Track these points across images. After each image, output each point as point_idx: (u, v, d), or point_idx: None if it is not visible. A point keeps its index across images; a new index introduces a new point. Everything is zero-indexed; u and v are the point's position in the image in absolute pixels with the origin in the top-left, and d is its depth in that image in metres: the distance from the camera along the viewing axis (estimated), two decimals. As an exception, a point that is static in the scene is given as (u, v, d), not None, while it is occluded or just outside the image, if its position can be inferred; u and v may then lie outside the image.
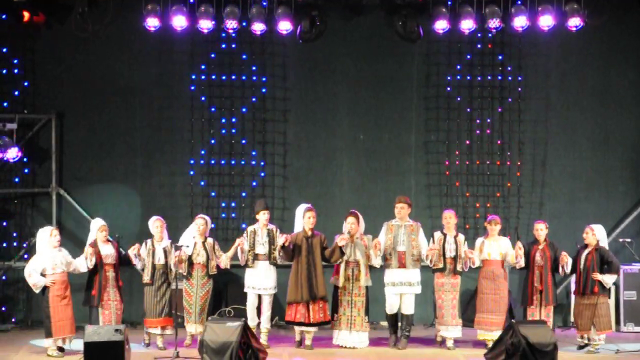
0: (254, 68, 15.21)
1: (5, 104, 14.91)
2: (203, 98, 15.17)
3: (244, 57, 15.21)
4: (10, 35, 14.76)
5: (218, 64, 15.16)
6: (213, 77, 15.16)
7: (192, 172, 15.10)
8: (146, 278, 12.85)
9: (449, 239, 12.90)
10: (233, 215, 15.12)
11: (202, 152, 15.14)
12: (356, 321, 12.84)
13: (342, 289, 12.86)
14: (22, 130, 14.85)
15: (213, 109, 15.18)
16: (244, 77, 15.23)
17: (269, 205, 13.55)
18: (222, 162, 15.18)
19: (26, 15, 14.29)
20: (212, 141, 15.17)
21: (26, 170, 15.03)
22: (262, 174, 15.19)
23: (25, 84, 15.00)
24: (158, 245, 12.90)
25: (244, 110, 15.24)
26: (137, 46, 15.01)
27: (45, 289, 12.32)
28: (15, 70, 14.98)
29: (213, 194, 15.13)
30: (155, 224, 12.98)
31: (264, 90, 15.23)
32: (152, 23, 14.19)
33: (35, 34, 14.79)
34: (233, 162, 15.19)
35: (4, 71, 14.94)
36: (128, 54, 15.06)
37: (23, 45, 14.94)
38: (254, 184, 15.20)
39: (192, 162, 15.11)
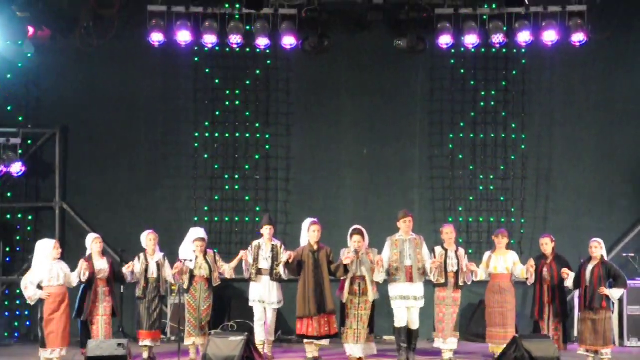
0: (257, 83, 15.24)
1: (9, 119, 14.93)
2: (207, 112, 15.19)
3: (248, 71, 15.23)
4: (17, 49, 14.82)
5: (222, 78, 15.20)
6: (217, 92, 15.18)
7: (195, 186, 15.09)
8: (138, 292, 12.86)
9: (450, 254, 12.89)
10: (236, 229, 15.11)
11: (205, 166, 15.14)
12: (361, 334, 12.83)
13: (348, 302, 12.84)
14: (25, 144, 14.93)
15: (216, 124, 15.19)
16: (247, 92, 15.25)
17: (273, 220, 13.54)
18: (226, 176, 15.19)
19: (31, 29, 14.32)
20: (215, 157, 15.17)
21: (30, 185, 15.06)
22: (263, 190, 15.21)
23: (30, 98, 15.03)
24: (151, 259, 12.93)
25: (247, 124, 15.25)
26: (141, 61, 15.05)
27: (41, 300, 12.33)
28: (20, 85, 15.01)
29: (216, 208, 15.13)
30: (149, 237, 12.99)
31: (267, 104, 15.25)
32: (156, 38, 14.25)
33: (40, 48, 14.82)
34: (237, 176, 15.20)
35: (9, 86, 14.96)
36: (132, 69, 15.11)
37: (28, 59, 14.97)
38: (258, 198, 15.20)
39: (195, 176, 15.11)
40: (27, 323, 14.89)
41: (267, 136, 15.29)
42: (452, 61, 15.26)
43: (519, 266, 12.88)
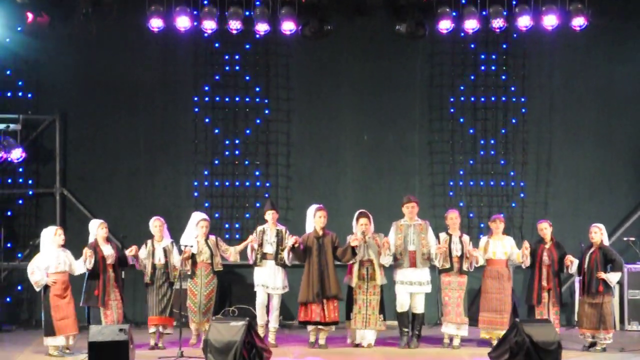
0: (257, 68, 15.21)
1: (9, 105, 14.92)
2: (207, 99, 15.18)
3: (247, 58, 15.21)
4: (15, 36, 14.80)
5: (221, 65, 15.17)
6: (217, 77, 15.17)
7: (195, 172, 15.09)
8: (146, 278, 12.87)
9: (454, 239, 12.89)
10: (237, 215, 15.11)
11: (206, 152, 15.14)
12: (370, 320, 12.85)
13: (356, 288, 12.86)
14: (26, 131, 14.91)
15: (216, 109, 15.17)
16: (247, 78, 15.24)
17: (275, 206, 13.54)
18: (226, 162, 15.18)
19: (30, 15, 14.29)
20: (216, 141, 15.17)
21: (30, 171, 15.05)
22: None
23: (29, 85, 15.02)
24: (158, 245, 12.92)
25: (247, 110, 15.24)
26: (140, 47, 15.02)
27: (46, 287, 12.32)
28: (20, 71, 14.99)
29: (217, 194, 15.13)
30: (155, 223, 12.99)
31: (267, 90, 15.23)
32: (155, 24, 14.19)
33: (39, 34, 14.80)
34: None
35: (8, 72, 14.96)
36: (132, 55, 15.08)
37: (27, 46, 14.95)
38: (258, 184, 15.21)
39: (195, 162, 15.10)
40: (29, 309, 14.89)
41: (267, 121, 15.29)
42: (452, 46, 15.21)
43: (515, 250, 12.92)
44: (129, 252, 12.78)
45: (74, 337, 12.44)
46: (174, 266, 12.91)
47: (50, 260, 12.31)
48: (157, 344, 12.83)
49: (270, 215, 13.11)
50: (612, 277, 12.64)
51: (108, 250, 12.62)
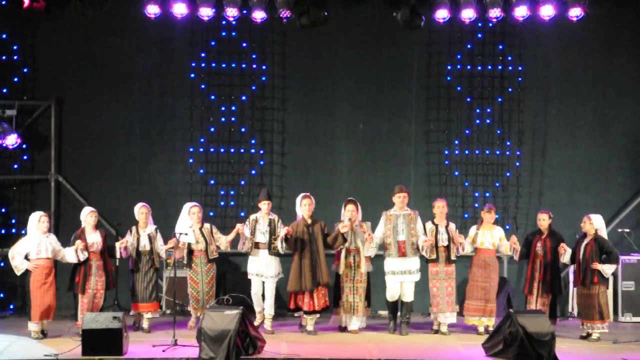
0: (253, 56, 15.20)
1: (4, 91, 14.90)
2: (203, 86, 15.16)
3: (244, 45, 15.19)
4: (10, 21, 14.73)
5: (218, 52, 15.15)
6: (213, 64, 15.15)
7: (191, 160, 15.10)
8: (131, 265, 12.95)
9: (440, 229, 12.95)
10: (232, 203, 15.12)
11: (202, 139, 15.15)
12: (359, 307, 12.96)
13: (343, 275, 12.95)
14: (21, 116, 14.87)
15: (213, 97, 15.17)
16: (243, 65, 15.22)
17: (271, 196, 13.54)
18: (222, 149, 15.17)
19: (26, 1, 14.24)
20: (212, 129, 15.16)
21: (25, 157, 15.05)
22: (262, 162, 15.19)
23: (25, 70, 14.99)
24: (143, 232, 12.97)
25: (243, 98, 15.22)
26: (137, 33, 14.99)
27: (27, 272, 12.35)
28: (15, 57, 14.96)
29: (212, 181, 15.14)
30: (142, 210, 13.04)
31: (263, 78, 15.23)
32: (152, 10, 14.17)
33: (35, 20, 14.75)
34: (232, 150, 15.18)
35: (4, 58, 14.91)
36: (128, 41, 15.04)
37: (23, 31, 14.91)
38: (253, 172, 15.20)
39: (191, 149, 15.11)
40: (23, 295, 14.86)
41: (263, 109, 15.25)
42: (449, 36, 15.19)
43: (504, 242, 12.97)
44: (121, 244, 12.84)
45: (45, 324, 12.53)
46: (157, 252, 12.95)
47: (31, 246, 12.38)
48: (143, 327, 12.92)
49: (265, 205, 13.13)
50: (607, 269, 12.67)
51: (93, 238, 12.65)
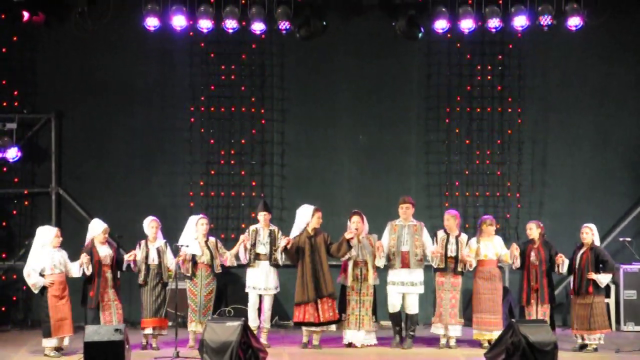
0: (253, 68, 15.20)
1: (4, 104, 14.89)
2: (202, 97, 15.15)
3: (243, 57, 15.19)
4: (9, 34, 14.76)
5: (217, 64, 15.15)
6: (212, 77, 15.14)
7: (191, 172, 15.08)
8: (140, 279, 12.85)
9: (451, 239, 12.89)
10: (232, 215, 15.11)
11: (202, 152, 15.12)
12: (364, 320, 12.86)
13: (350, 288, 12.86)
14: (21, 130, 14.86)
15: (212, 109, 15.16)
16: (243, 77, 15.21)
17: (269, 207, 13.53)
18: (222, 161, 15.16)
19: (26, 14, 14.27)
20: (212, 141, 15.15)
21: (26, 170, 15.03)
22: (262, 173, 15.17)
23: (25, 83, 15.00)
24: (152, 246, 12.90)
25: (243, 109, 15.22)
26: (136, 46, 15.00)
27: (44, 289, 12.29)
28: (15, 70, 14.97)
29: (212, 194, 15.12)
30: (151, 224, 12.95)
31: (262, 89, 15.21)
32: (151, 23, 14.20)
33: (35, 33, 14.77)
34: (232, 161, 15.17)
35: (4, 71, 14.92)
36: (128, 54, 15.06)
37: (23, 45, 14.93)
38: (254, 183, 15.19)
39: (191, 162, 15.09)
40: (24, 309, 14.87)
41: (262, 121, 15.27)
42: (448, 46, 15.20)
43: (504, 250, 12.94)
44: (129, 257, 12.76)
45: (69, 339, 12.42)
46: (167, 267, 12.90)
47: (46, 262, 12.27)
48: (150, 344, 12.82)
49: (262, 216, 13.11)
50: (603, 278, 12.62)
51: (104, 251, 12.59)
